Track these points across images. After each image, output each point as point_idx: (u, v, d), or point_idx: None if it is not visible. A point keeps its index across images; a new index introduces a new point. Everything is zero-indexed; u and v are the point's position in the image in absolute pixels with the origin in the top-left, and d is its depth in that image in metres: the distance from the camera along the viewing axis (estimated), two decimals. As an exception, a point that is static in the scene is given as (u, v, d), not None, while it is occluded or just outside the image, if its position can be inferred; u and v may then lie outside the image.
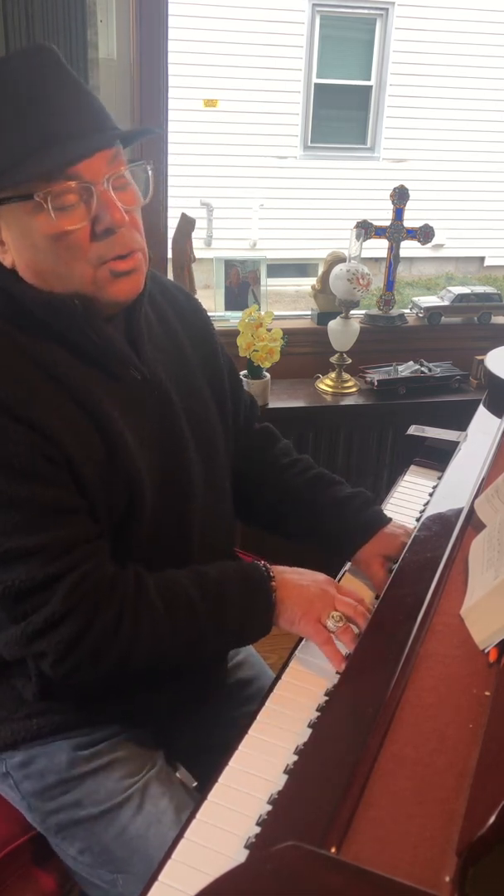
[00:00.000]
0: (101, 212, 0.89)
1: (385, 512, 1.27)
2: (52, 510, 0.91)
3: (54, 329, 0.94)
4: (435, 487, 1.46)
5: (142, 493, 1.00)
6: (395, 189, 2.36)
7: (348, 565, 1.25)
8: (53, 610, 0.90)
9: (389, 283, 2.45)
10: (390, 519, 1.24)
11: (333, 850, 0.66)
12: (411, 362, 2.39)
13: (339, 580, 1.22)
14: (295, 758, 0.87)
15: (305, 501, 1.25)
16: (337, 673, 0.99)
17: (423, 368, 2.36)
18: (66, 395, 0.93)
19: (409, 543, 1.15)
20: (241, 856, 0.76)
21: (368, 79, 7.22)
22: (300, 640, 1.06)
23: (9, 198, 0.88)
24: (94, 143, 0.89)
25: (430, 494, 1.44)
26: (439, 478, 1.49)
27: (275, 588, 1.02)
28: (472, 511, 1.17)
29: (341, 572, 1.24)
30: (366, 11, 7.03)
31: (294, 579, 1.05)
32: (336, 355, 2.31)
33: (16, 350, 0.92)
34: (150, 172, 0.97)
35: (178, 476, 1.07)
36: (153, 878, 0.76)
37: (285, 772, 0.85)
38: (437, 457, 1.55)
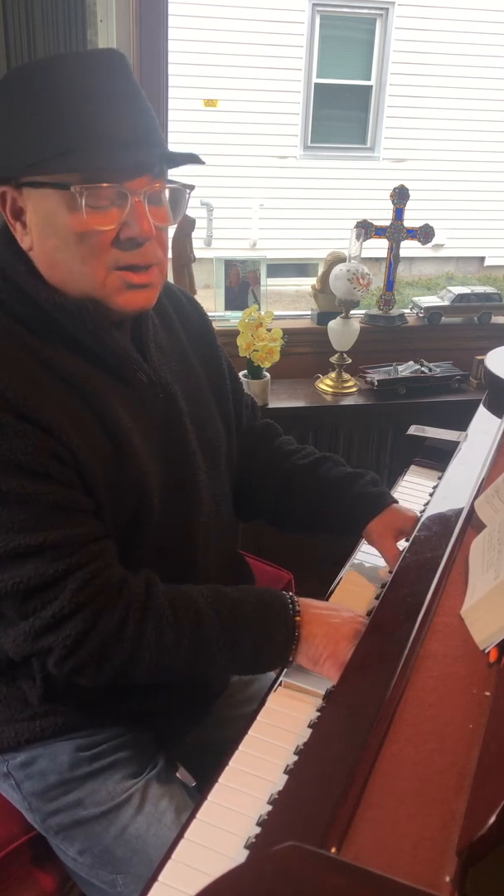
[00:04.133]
0: (131, 220, 0.90)
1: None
2: (60, 508, 0.90)
3: (66, 332, 0.94)
4: (435, 487, 1.46)
5: (149, 499, 1.00)
6: (395, 189, 2.36)
7: (343, 574, 1.24)
8: (62, 605, 0.90)
9: (389, 283, 2.45)
10: (397, 500, 1.24)
11: (333, 850, 0.65)
12: (411, 362, 2.39)
13: (335, 589, 1.21)
14: (295, 758, 0.87)
15: (311, 480, 1.24)
16: None
17: (423, 368, 2.36)
18: (75, 397, 0.93)
19: (409, 543, 1.15)
20: (241, 856, 0.76)
21: (368, 79, 7.22)
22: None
23: (45, 183, 0.89)
24: (142, 160, 0.90)
25: (431, 494, 1.44)
26: (439, 478, 1.49)
27: (299, 623, 0.99)
28: (472, 511, 1.17)
29: (342, 575, 1.24)
30: (366, 11, 7.03)
31: (322, 616, 1.00)
32: (336, 355, 2.31)
33: (25, 350, 0.92)
34: (188, 197, 0.98)
35: (185, 482, 1.07)
36: (153, 878, 0.76)
37: (285, 772, 0.85)
38: (437, 457, 1.55)
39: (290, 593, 1.02)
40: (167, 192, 0.96)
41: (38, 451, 0.88)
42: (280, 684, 0.99)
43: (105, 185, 0.88)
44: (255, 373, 2.15)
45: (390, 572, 1.04)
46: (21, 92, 0.88)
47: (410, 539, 1.15)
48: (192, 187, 0.98)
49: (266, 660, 0.99)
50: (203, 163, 0.97)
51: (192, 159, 0.97)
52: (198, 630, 0.95)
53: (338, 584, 1.21)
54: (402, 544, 1.18)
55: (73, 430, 0.91)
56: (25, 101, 0.88)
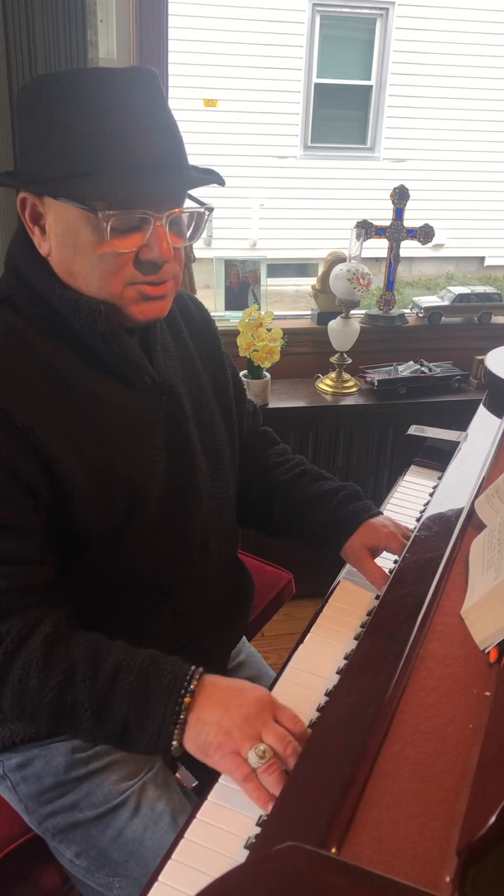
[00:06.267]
0: (152, 243, 0.92)
1: (385, 512, 1.27)
2: None
3: (72, 333, 0.95)
4: (435, 487, 1.46)
5: (144, 502, 1.00)
6: (395, 189, 2.36)
7: (343, 573, 1.24)
8: None
9: (389, 283, 2.45)
10: (380, 511, 1.23)
11: (334, 850, 0.65)
12: (411, 362, 2.39)
13: (335, 587, 1.20)
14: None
15: (289, 497, 1.25)
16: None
17: (423, 368, 2.36)
18: (68, 399, 0.94)
19: (409, 543, 1.14)
20: (241, 856, 0.76)
21: (368, 79, 7.22)
22: (300, 640, 1.06)
23: (70, 199, 0.89)
24: (167, 187, 0.91)
25: (430, 494, 1.44)
26: (439, 478, 1.49)
27: (188, 706, 0.85)
28: (472, 511, 1.17)
29: (336, 580, 1.24)
30: (366, 11, 7.03)
31: (221, 698, 0.86)
32: (336, 355, 2.31)
33: (24, 348, 0.93)
34: (207, 218, 0.99)
35: (186, 485, 1.07)
36: (153, 877, 0.76)
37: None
38: (437, 457, 1.55)
39: (200, 669, 0.89)
40: (187, 215, 0.97)
41: None
42: (279, 684, 0.99)
43: (130, 211, 0.89)
44: (255, 373, 2.15)
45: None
46: (50, 101, 0.88)
47: (410, 540, 1.15)
48: (211, 209, 0.99)
49: (136, 738, 0.86)
50: (224, 184, 0.99)
51: (216, 179, 0.98)
52: (65, 684, 0.87)
53: (337, 584, 1.21)
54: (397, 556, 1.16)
55: (56, 432, 0.91)
56: (54, 112, 0.88)
